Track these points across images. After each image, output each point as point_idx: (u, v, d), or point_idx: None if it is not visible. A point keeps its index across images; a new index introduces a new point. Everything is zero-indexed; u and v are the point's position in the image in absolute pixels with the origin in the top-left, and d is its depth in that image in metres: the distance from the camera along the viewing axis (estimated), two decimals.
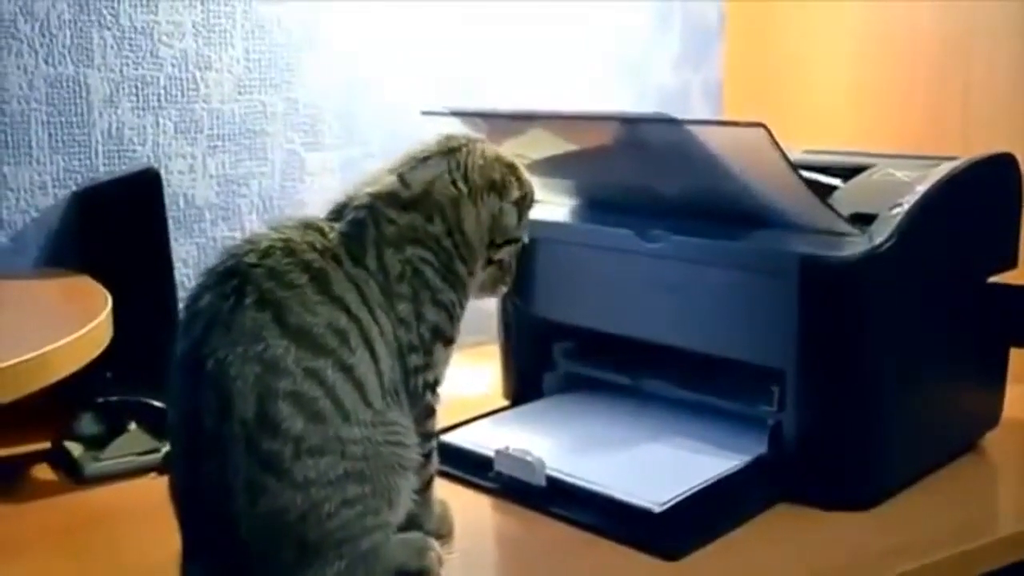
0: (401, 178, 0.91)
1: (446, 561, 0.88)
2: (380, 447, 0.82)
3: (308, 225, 0.86)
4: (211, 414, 0.77)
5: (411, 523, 0.88)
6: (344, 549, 0.80)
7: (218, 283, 0.81)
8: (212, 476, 0.78)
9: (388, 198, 0.89)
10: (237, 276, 0.81)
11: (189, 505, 0.81)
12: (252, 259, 0.81)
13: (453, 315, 0.90)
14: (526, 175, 0.96)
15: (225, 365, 0.77)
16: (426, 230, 0.89)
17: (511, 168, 0.95)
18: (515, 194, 0.95)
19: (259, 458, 0.77)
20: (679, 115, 0.96)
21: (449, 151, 0.93)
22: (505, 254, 0.95)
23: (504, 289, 0.98)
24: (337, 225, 0.87)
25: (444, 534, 0.93)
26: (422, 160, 0.92)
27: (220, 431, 0.77)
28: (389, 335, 0.85)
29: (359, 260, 0.85)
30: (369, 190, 0.90)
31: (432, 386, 0.89)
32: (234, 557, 0.79)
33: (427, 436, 0.89)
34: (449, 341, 0.90)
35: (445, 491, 0.94)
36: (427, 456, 0.89)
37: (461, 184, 0.92)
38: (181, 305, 1.24)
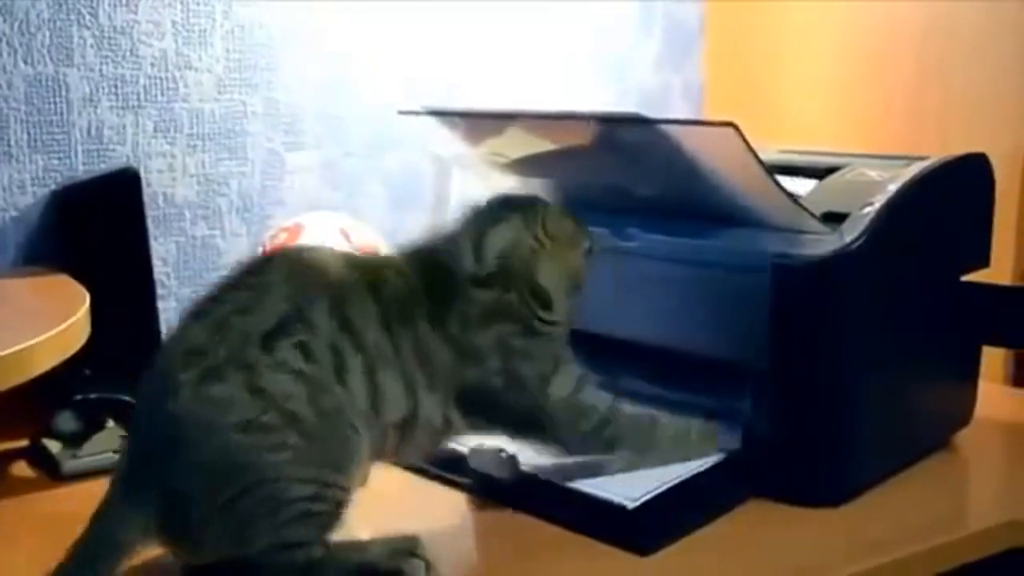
0: (477, 252, 0.95)
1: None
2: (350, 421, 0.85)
3: (399, 269, 0.93)
4: (233, 305, 0.84)
5: None
6: (261, 488, 0.81)
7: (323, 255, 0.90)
8: (190, 340, 0.82)
9: (469, 278, 0.94)
10: (334, 261, 0.90)
11: (159, 361, 0.83)
12: (347, 260, 0.91)
13: (545, 350, 0.97)
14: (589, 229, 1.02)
15: (274, 289, 0.85)
16: (507, 301, 0.95)
17: (579, 221, 1.00)
18: (585, 245, 1.00)
19: (239, 358, 0.81)
20: (659, 116, 0.97)
21: (522, 209, 0.98)
22: (574, 304, 1.00)
23: None
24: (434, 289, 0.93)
25: None
26: (492, 223, 0.97)
27: (229, 319, 0.83)
28: (445, 390, 0.91)
29: (438, 328, 0.91)
30: (452, 264, 0.95)
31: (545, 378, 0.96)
32: (161, 426, 0.80)
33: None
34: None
35: (419, 487, 0.94)
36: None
37: (543, 238, 0.97)
38: (160, 304, 1.27)
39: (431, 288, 0.92)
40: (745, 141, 0.91)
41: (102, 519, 0.81)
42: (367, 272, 0.90)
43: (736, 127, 0.90)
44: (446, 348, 0.91)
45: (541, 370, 0.96)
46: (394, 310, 0.89)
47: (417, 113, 1.14)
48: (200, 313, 0.84)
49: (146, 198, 1.26)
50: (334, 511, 0.84)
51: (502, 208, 0.98)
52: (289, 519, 0.82)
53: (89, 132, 1.29)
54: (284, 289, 0.85)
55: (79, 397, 1.14)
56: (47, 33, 1.25)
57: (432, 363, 0.90)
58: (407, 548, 0.87)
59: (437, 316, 0.91)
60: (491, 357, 0.93)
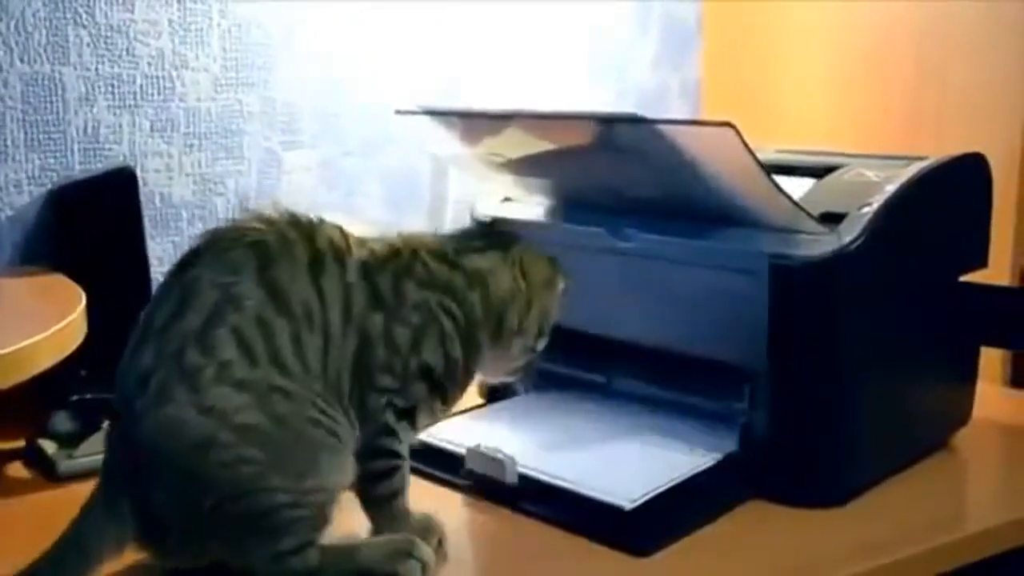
0: (456, 251, 0.94)
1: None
2: (308, 416, 0.83)
3: (340, 228, 0.89)
4: (167, 313, 0.82)
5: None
6: (236, 503, 0.80)
7: (243, 226, 0.86)
8: (140, 365, 0.81)
9: (435, 253, 0.93)
10: (254, 224, 0.86)
11: (118, 389, 0.83)
12: (275, 218, 0.87)
13: (452, 371, 0.91)
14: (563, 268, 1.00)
15: (200, 280, 0.82)
16: (464, 292, 0.92)
17: (555, 262, 0.99)
18: (560, 287, 0.99)
19: (181, 367, 0.80)
20: (657, 115, 0.96)
21: (501, 246, 0.96)
22: (543, 344, 0.99)
23: (525, 375, 1.02)
24: (375, 246, 0.90)
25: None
26: (475, 251, 0.95)
27: (165, 328, 0.81)
28: (351, 345, 0.86)
29: (369, 274, 0.88)
30: (420, 238, 0.94)
31: (399, 411, 0.89)
32: (131, 453, 0.81)
33: (381, 452, 0.89)
34: (436, 386, 0.91)
35: (417, 489, 0.94)
36: (385, 473, 0.90)
37: (521, 281, 0.95)
38: None
39: (379, 253, 0.90)
40: (743, 141, 0.91)
41: (80, 526, 0.82)
42: (306, 225, 0.87)
43: (735, 127, 0.90)
44: (364, 294, 0.87)
45: (433, 367, 0.90)
46: (329, 253, 0.86)
47: (415, 113, 1.14)
48: (146, 326, 0.83)
49: (143, 197, 1.26)
50: (318, 513, 0.83)
51: (481, 238, 0.98)
52: (275, 528, 0.81)
53: (85, 131, 1.28)
54: (209, 275, 0.82)
55: (75, 398, 1.14)
56: (43, 32, 1.25)
57: (350, 309, 0.86)
58: (404, 549, 0.87)
59: (373, 268, 0.88)
60: (403, 313, 0.88)
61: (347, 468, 0.87)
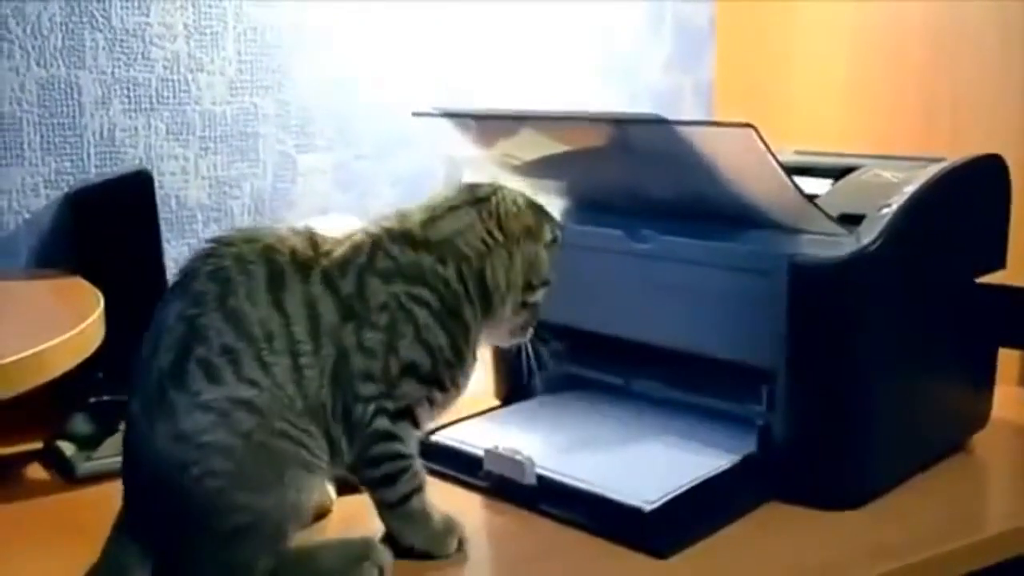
0: (423, 223, 0.92)
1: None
2: (276, 429, 0.83)
3: (309, 236, 0.89)
4: (148, 350, 0.84)
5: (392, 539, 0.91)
6: (210, 522, 0.82)
7: (205, 252, 0.87)
8: (132, 406, 0.84)
9: (399, 236, 0.91)
10: (215, 249, 0.87)
11: (129, 423, 0.85)
12: (234, 238, 0.87)
13: (440, 358, 0.90)
14: (554, 215, 0.99)
15: (171, 315, 0.84)
16: (435, 271, 0.90)
17: (541, 210, 0.98)
18: (548, 236, 0.97)
19: (162, 401, 0.82)
20: (671, 117, 0.96)
21: (478, 201, 0.95)
22: (539, 296, 0.97)
23: (530, 332, 0.99)
24: (339, 249, 0.89)
25: (447, 553, 0.92)
26: (449, 209, 0.94)
27: (147, 365, 0.84)
28: (328, 360, 0.86)
29: (331, 282, 0.87)
30: (384, 224, 0.92)
31: (393, 414, 0.89)
32: (138, 493, 0.85)
33: (382, 458, 0.89)
34: (426, 380, 0.90)
35: (436, 490, 0.94)
36: (392, 476, 0.89)
37: (496, 234, 0.93)
38: None
39: (339, 257, 0.89)
40: (764, 142, 0.91)
41: (104, 552, 0.85)
42: (269, 242, 0.87)
43: (755, 128, 0.90)
44: (331, 304, 0.86)
45: (418, 363, 0.90)
46: (289, 268, 0.86)
47: (431, 115, 1.14)
48: (139, 369, 0.84)
49: (158, 200, 1.26)
50: (279, 527, 0.84)
51: (458, 196, 0.95)
52: (229, 542, 0.82)
53: (101, 135, 1.29)
54: (178, 308, 0.84)
55: (93, 400, 1.14)
56: (59, 36, 1.25)
57: (318, 322, 0.86)
58: (361, 553, 0.86)
59: (335, 274, 0.88)
60: (371, 317, 0.87)
61: (312, 487, 0.86)
